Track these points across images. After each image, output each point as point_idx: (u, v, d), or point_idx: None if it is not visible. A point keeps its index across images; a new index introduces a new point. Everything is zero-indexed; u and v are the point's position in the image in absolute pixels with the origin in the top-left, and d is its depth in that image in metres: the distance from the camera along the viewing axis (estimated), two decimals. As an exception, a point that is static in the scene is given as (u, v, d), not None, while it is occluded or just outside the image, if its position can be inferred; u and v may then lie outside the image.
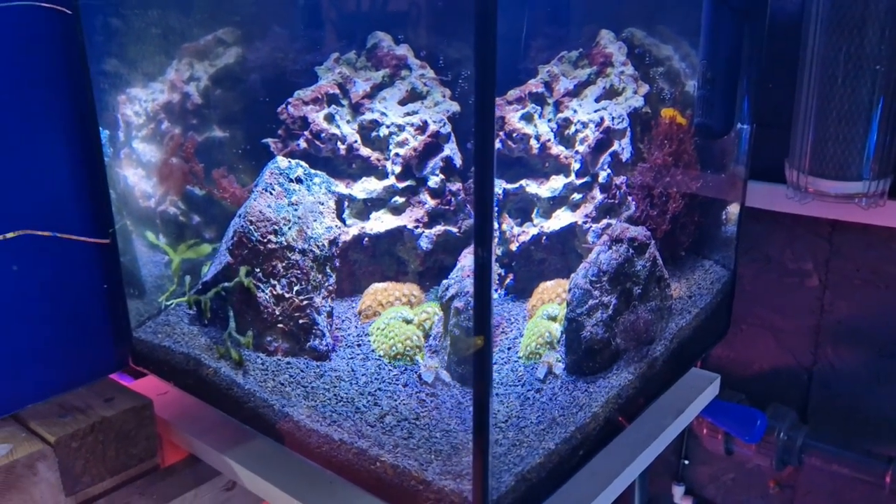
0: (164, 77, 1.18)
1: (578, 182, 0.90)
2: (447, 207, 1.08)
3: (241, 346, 1.00)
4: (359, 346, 1.03)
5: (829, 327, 1.58)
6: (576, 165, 0.90)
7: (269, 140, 1.12)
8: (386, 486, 0.85)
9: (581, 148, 0.88)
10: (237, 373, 0.99)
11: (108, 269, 1.11)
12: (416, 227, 1.08)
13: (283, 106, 1.10)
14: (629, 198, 0.93)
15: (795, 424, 1.61)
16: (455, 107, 1.10)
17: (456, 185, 1.08)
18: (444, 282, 0.98)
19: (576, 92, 0.90)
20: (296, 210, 0.99)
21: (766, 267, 1.62)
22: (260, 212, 0.98)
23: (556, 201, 0.91)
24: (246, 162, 1.16)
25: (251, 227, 0.98)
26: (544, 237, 0.91)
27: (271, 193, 0.99)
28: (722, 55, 0.99)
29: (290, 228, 0.98)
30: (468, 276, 0.96)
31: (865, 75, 1.29)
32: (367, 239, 1.08)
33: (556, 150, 0.89)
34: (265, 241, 0.98)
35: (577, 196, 0.90)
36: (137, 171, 1.19)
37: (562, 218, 0.90)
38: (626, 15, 0.91)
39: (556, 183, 0.90)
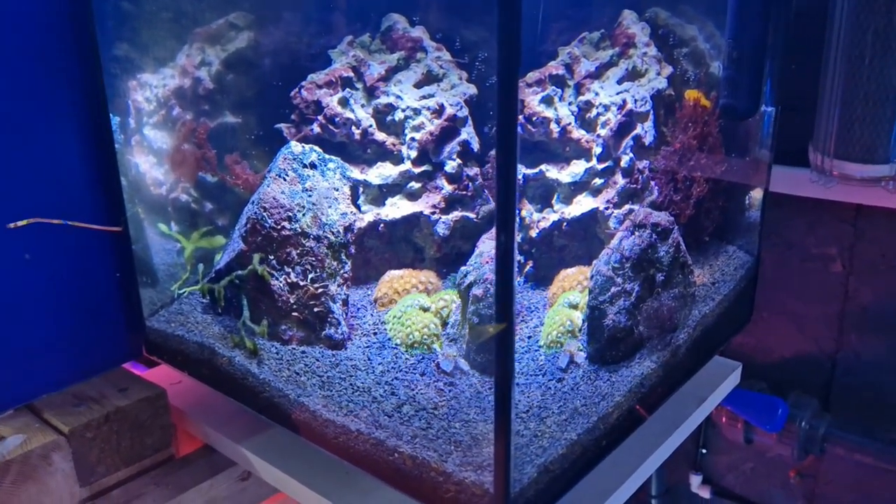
0: (176, 62, 1.16)
1: (600, 167, 0.87)
2: (464, 193, 1.06)
3: (256, 335, 0.98)
4: (375, 334, 1.01)
5: (853, 314, 1.55)
6: (597, 150, 0.88)
7: (282, 125, 1.10)
8: (405, 477, 0.83)
9: (603, 132, 0.86)
10: (252, 362, 0.98)
11: (120, 257, 1.09)
12: (433, 212, 1.05)
13: (297, 90, 1.08)
14: (652, 182, 0.90)
15: (817, 413, 1.58)
16: (472, 89, 1.07)
17: (473, 170, 1.06)
18: (462, 268, 0.96)
19: (597, 74, 0.87)
20: (310, 196, 0.97)
21: (787, 252, 1.59)
22: (273, 198, 0.96)
23: (577, 186, 0.88)
24: (259, 147, 1.14)
25: (264, 214, 0.96)
26: (565, 223, 0.89)
27: (285, 179, 0.97)
28: (749, 34, 0.96)
29: (304, 215, 0.96)
30: (487, 262, 0.93)
31: (894, 54, 1.25)
32: (382, 225, 1.06)
33: (577, 133, 0.86)
34: (279, 227, 0.96)
35: (598, 181, 0.88)
36: (149, 158, 1.18)
37: (583, 203, 0.88)
38: None
39: (577, 168, 0.88)
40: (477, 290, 0.92)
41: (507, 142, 0.65)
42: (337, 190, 0.99)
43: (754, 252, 1.18)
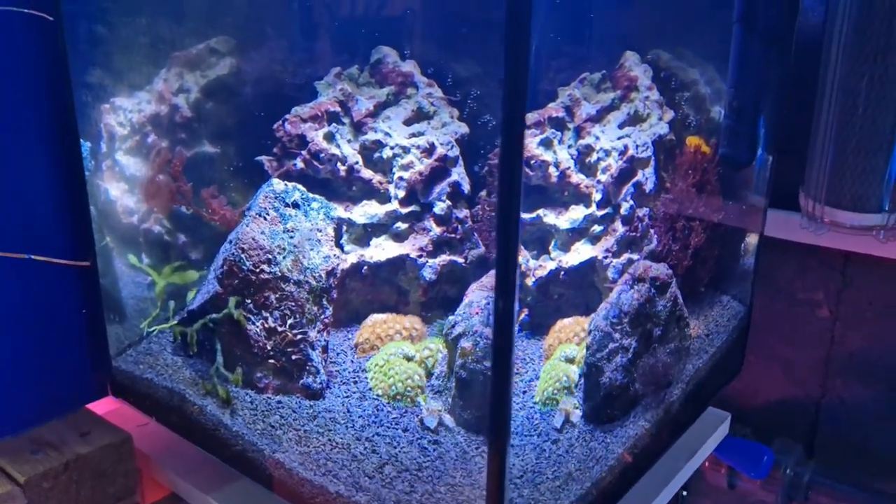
0: (152, 87, 1.11)
1: (600, 213, 0.83)
2: (453, 235, 1.02)
3: (230, 382, 0.92)
4: (355, 382, 0.96)
5: (839, 360, 1.53)
6: (597, 196, 0.84)
7: (264, 158, 1.05)
8: (385, 546, 0.78)
9: (603, 177, 0.82)
10: (224, 412, 0.92)
11: (87, 292, 1.03)
12: (420, 255, 1.01)
13: (280, 123, 1.03)
14: (651, 231, 0.87)
15: (802, 460, 1.56)
16: (464, 128, 1.04)
17: (463, 212, 1.02)
18: (451, 318, 0.91)
19: (598, 117, 0.83)
20: (291, 238, 0.92)
21: (774, 297, 1.57)
22: (253, 238, 0.91)
23: (576, 233, 0.84)
24: (237, 180, 1.09)
25: (243, 256, 0.91)
26: (562, 272, 0.85)
27: (265, 219, 0.92)
28: (750, 84, 0.93)
29: (284, 258, 0.91)
30: (477, 313, 0.89)
31: (888, 103, 1.24)
32: (366, 267, 1.01)
33: (577, 178, 0.82)
34: (258, 270, 0.91)
35: (597, 228, 0.84)
36: (119, 186, 1.12)
37: (581, 252, 0.84)
38: (651, 35, 0.84)
39: (576, 213, 0.84)
40: (466, 343, 0.87)
41: (511, 191, 0.60)
42: (320, 231, 0.94)
43: (747, 301, 1.16)
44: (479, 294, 0.91)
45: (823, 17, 1.30)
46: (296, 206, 0.93)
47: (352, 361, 0.99)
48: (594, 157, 0.82)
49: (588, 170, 0.82)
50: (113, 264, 1.08)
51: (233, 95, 1.09)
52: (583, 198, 0.83)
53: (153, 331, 1.06)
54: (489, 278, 0.92)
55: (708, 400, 1.10)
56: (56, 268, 1.00)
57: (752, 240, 1.13)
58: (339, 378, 0.96)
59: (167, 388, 0.97)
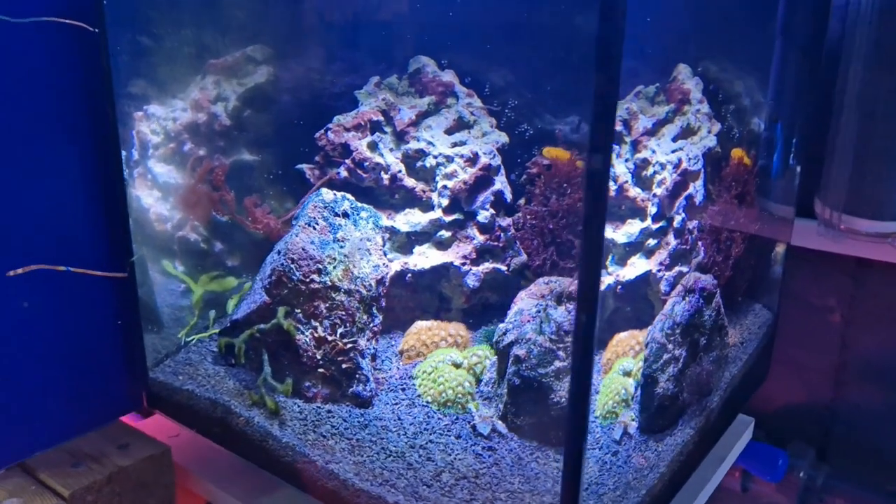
0: (186, 95, 1.10)
1: (654, 227, 0.85)
2: (496, 244, 1.02)
3: (279, 392, 0.92)
4: (403, 390, 0.96)
5: (853, 364, 1.56)
6: (652, 209, 0.85)
7: (305, 166, 1.05)
8: (448, 555, 0.78)
9: (658, 190, 0.83)
10: (273, 423, 0.91)
11: (124, 303, 1.02)
12: (464, 263, 1.01)
13: (322, 131, 1.03)
14: (699, 243, 0.88)
15: (815, 463, 1.58)
16: (504, 137, 1.04)
17: (506, 221, 1.02)
18: (501, 325, 0.92)
19: (654, 131, 0.85)
20: (342, 247, 0.92)
21: (788, 302, 1.59)
22: (302, 249, 0.91)
23: (632, 247, 0.85)
24: (276, 188, 1.09)
25: (292, 266, 0.91)
26: (619, 286, 0.86)
27: (315, 228, 0.92)
28: (787, 96, 0.95)
29: (335, 267, 0.91)
30: (528, 321, 0.90)
31: (903, 114, 1.27)
32: (409, 275, 1.02)
33: (634, 192, 0.84)
34: (307, 280, 0.91)
35: (652, 242, 0.85)
36: (152, 194, 1.11)
37: (637, 266, 0.85)
38: (700, 47, 0.86)
39: (633, 227, 0.85)
40: (519, 351, 0.88)
41: (595, 208, 0.61)
42: (369, 240, 0.94)
43: (774, 309, 1.18)
44: (528, 302, 0.92)
45: (841, 29, 1.33)
46: (345, 215, 0.93)
47: (398, 369, 0.99)
48: (650, 170, 0.83)
49: (644, 183, 0.84)
50: (147, 273, 1.07)
51: (271, 103, 1.09)
52: (639, 212, 0.85)
53: (191, 340, 1.05)
54: (538, 286, 0.93)
55: (740, 406, 1.12)
56: (93, 279, 0.99)
57: (780, 249, 1.15)
58: (386, 385, 0.96)
59: (210, 399, 0.96)
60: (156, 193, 1.11)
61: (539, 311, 0.90)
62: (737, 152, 0.92)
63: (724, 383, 1.01)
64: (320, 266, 0.91)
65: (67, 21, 0.91)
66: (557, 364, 0.87)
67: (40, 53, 0.89)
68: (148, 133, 1.10)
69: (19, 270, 0.91)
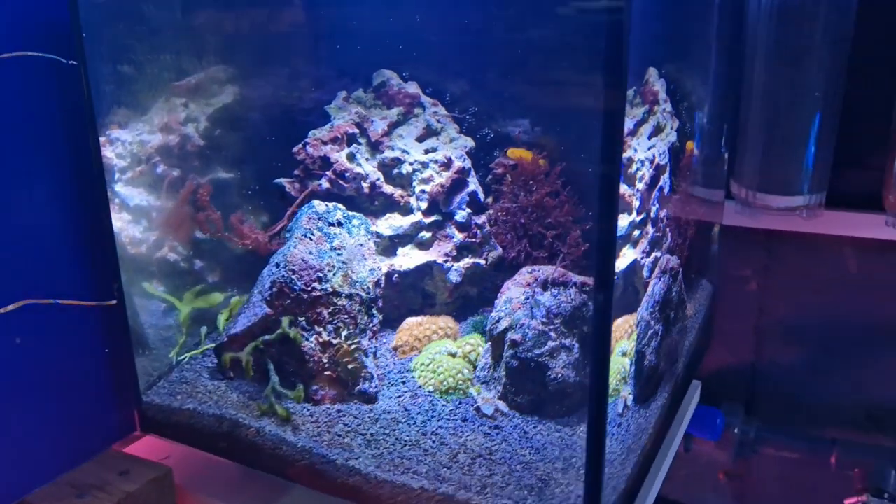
0: (150, 118, 1.10)
1: (638, 219, 0.94)
2: (473, 240, 1.09)
3: (290, 399, 0.95)
4: (403, 383, 1.01)
5: (770, 328, 1.73)
6: (636, 203, 0.95)
7: (284, 180, 1.08)
8: (478, 529, 0.84)
9: (640, 185, 0.93)
10: (285, 429, 0.94)
11: (112, 330, 1.02)
12: (446, 260, 1.08)
13: (301, 146, 1.06)
14: (667, 230, 0.98)
15: (746, 419, 1.75)
16: (470, 142, 1.11)
17: (481, 218, 1.10)
18: (494, 314, 0.99)
19: (634, 131, 0.94)
20: (339, 255, 0.96)
21: (712, 276, 1.75)
22: (302, 259, 0.95)
23: (623, 240, 0.93)
24: (254, 203, 1.11)
25: (293, 277, 0.94)
26: (616, 277, 0.94)
27: (311, 239, 0.96)
28: (720, 91, 1.08)
29: (334, 274, 0.95)
30: (519, 307, 0.97)
31: (805, 102, 1.44)
32: (396, 275, 1.07)
33: (622, 189, 0.92)
34: (309, 289, 0.94)
35: (636, 233, 0.94)
36: (122, 217, 1.10)
37: (627, 256, 0.94)
38: (665, 50, 0.96)
39: (623, 221, 0.93)
40: (514, 336, 0.95)
41: (609, 201, 0.70)
42: (363, 246, 0.99)
43: (714, 282, 1.31)
44: (516, 290, 0.99)
45: (746, 27, 1.49)
46: (339, 224, 0.97)
47: (394, 364, 1.04)
48: (633, 167, 0.92)
49: (629, 180, 0.92)
50: (131, 299, 1.07)
51: (241, 122, 1.11)
52: (626, 206, 0.93)
53: (183, 359, 1.06)
54: (522, 276, 1.01)
55: (695, 371, 1.25)
56: (81, 309, 0.98)
57: (717, 228, 1.29)
58: (386, 381, 1.01)
59: (215, 414, 0.98)
60: (125, 216, 1.10)
61: (528, 298, 0.97)
62: (689, 144, 1.03)
63: (685, 351, 1.13)
64: (320, 274, 0.95)
65: (44, 55, 0.90)
66: (551, 344, 0.95)
67: (17, 87, 0.88)
68: (113, 157, 1.09)
69: (9, 307, 0.90)
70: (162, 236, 1.08)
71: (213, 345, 1.04)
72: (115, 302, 0.98)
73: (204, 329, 1.05)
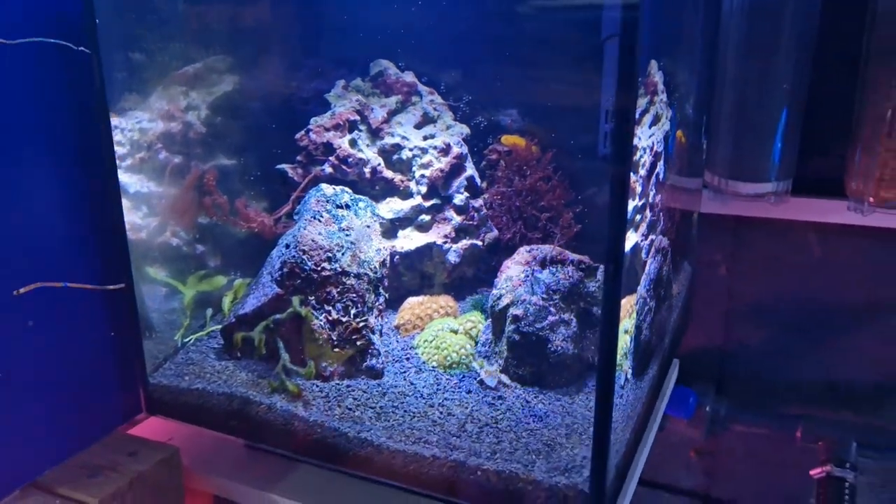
0: (151, 106, 1.12)
1: (640, 204, 0.99)
2: (471, 223, 1.14)
3: (300, 376, 0.98)
4: (407, 359, 1.05)
5: (738, 310, 1.82)
6: (639, 189, 1.00)
7: (286, 166, 1.11)
8: (488, 494, 0.88)
9: (642, 172, 0.98)
10: (296, 405, 0.97)
11: (120, 313, 1.03)
12: (445, 242, 1.12)
13: (303, 133, 1.09)
14: (661, 213, 1.04)
15: (717, 398, 1.83)
16: (466, 129, 1.16)
17: (478, 202, 1.14)
18: (495, 291, 1.03)
19: (639, 120, 0.98)
20: (348, 235, 0.99)
21: (685, 262, 1.82)
22: (312, 240, 0.98)
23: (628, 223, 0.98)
24: (255, 188, 1.14)
25: (304, 257, 0.97)
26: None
27: (320, 221, 0.99)
28: (701, 83, 1.14)
29: (343, 254, 0.98)
30: (519, 285, 1.02)
31: (774, 94, 1.52)
32: (397, 256, 1.11)
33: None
34: (319, 269, 0.97)
35: (637, 217, 0.99)
36: (124, 204, 1.11)
37: (630, 239, 0.99)
38: (664, 43, 1.01)
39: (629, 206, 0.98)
40: (516, 311, 1.00)
41: (621, 185, 0.75)
42: (369, 227, 1.02)
43: (694, 265, 1.38)
44: (516, 269, 1.04)
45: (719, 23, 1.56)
46: (347, 206, 1.01)
47: (397, 341, 1.07)
48: (637, 155, 0.97)
49: (633, 167, 0.97)
50: (134, 282, 1.08)
51: (242, 110, 1.13)
52: (631, 193, 0.97)
53: (189, 341, 1.07)
54: (521, 255, 1.06)
55: (677, 348, 1.31)
56: (90, 294, 0.99)
57: (696, 214, 1.36)
58: (390, 357, 1.04)
59: (225, 393, 1.00)
60: (126, 203, 1.11)
61: (527, 276, 1.02)
62: (679, 133, 1.10)
63: (670, 328, 1.19)
64: (330, 254, 0.98)
65: (58, 41, 0.92)
66: (551, 318, 1.00)
67: (32, 73, 0.89)
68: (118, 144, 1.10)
69: (22, 290, 0.91)
70: (165, 221, 1.09)
71: (219, 326, 1.06)
72: (123, 285, 1.00)
73: (209, 311, 1.07)
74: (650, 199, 0.98)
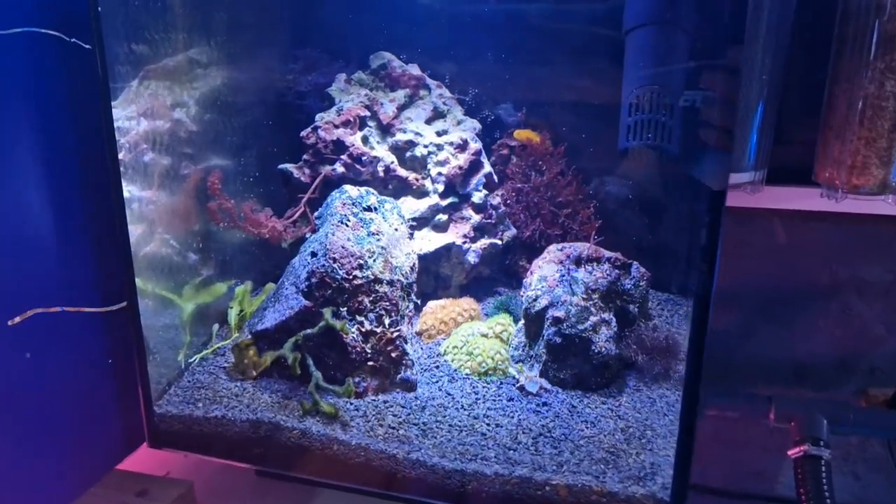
0: (132, 104, 0.99)
1: None
2: (489, 221, 1.08)
3: (336, 395, 0.90)
4: (437, 367, 0.99)
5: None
6: None
7: (290, 166, 1.01)
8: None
9: None
10: (333, 427, 0.89)
11: (124, 336, 0.91)
12: (464, 242, 1.06)
13: (310, 130, 1.00)
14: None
15: (689, 383, 1.86)
16: (477, 124, 1.10)
17: (496, 199, 1.09)
18: (530, 293, 0.98)
19: None
20: (378, 240, 0.92)
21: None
22: (342, 247, 0.89)
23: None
24: (255, 190, 1.04)
25: (335, 266, 0.89)
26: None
27: (347, 225, 0.91)
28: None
29: (374, 260, 0.91)
30: (556, 285, 0.98)
31: (753, 85, 1.55)
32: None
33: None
34: (351, 277, 0.89)
35: None
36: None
37: None
38: None
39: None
40: (556, 312, 0.96)
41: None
42: (397, 230, 0.95)
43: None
44: (549, 268, 1.00)
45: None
46: (374, 209, 0.93)
47: (421, 348, 1.01)
48: None
49: None
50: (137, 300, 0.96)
51: (234, 106, 1.03)
52: None
53: (193, 361, 0.96)
54: (552, 253, 1.02)
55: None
56: (88, 317, 0.87)
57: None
58: (417, 366, 0.98)
59: (249, 420, 0.90)
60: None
61: (563, 276, 0.98)
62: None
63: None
64: (361, 261, 0.90)
65: (54, 33, 0.80)
66: (592, 319, 0.96)
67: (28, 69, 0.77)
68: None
69: (17, 319, 0.78)
70: (157, 228, 0.97)
71: (226, 342, 0.95)
72: (125, 304, 0.88)
73: (216, 326, 0.97)
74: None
